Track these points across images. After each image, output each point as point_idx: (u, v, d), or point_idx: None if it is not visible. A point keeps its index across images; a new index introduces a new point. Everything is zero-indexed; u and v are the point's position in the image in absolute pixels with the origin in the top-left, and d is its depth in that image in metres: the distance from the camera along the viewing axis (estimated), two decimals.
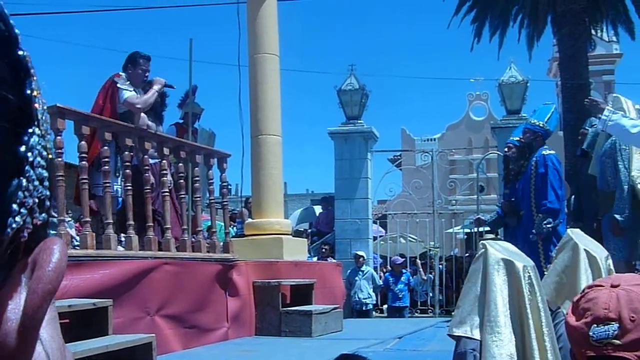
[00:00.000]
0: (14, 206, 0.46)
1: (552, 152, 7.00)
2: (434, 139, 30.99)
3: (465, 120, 31.65)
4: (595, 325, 1.48)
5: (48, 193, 0.50)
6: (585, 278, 3.90)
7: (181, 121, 8.78)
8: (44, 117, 0.50)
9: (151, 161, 6.72)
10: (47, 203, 0.50)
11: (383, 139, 16.21)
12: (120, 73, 6.77)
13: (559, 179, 6.83)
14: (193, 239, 6.93)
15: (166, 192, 6.57)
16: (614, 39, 23.42)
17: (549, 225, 6.62)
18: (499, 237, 10.79)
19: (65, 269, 0.50)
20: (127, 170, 6.11)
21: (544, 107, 7.34)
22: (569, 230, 4.23)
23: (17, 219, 0.47)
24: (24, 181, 0.47)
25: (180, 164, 6.87)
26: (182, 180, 6.85)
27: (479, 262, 3.35)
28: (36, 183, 0.48)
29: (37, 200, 0.48)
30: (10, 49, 0.47)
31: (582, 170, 8.05)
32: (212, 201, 7.55)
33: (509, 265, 3.30)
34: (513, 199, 7.67)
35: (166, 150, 6.63)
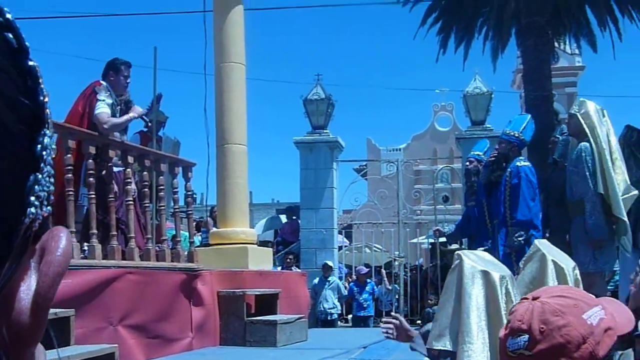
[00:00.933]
0: (32, 198, 0.53)
1: (527, 163, 7.00)
2: (399, 149, 31.17)
3: (430, 130, 31.94)
4: (510, 337, 1.54)
5: (53, 188, 0.57)
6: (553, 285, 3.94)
7: (145, 129, 8.72)
8: (50, 120, 0.56)
9: (115, 169, 6.65)
10: (52, 197, 0.57)
11: (349, 148, 16.31)
12: (101, 82, 6.69)
13: (532, 191, 6.82)
14: (157, 248, 6.88)
15: (130, 200, 6.51)
16: (577, 51, 23.79)
17: (520, 239, 6.64)
18: (463, 247, 10.91)
19: (71, 255, 0.58)
20: (91, 179, 6.05)
21: (519, 117, 7.38)
22: (536, 241, 4.26)
23: (33, 210, 0.53)
24: (40, 176, 0.54)
25: (145, 173, 6.81)
26: (146, 189, 6.79)
27: (454, 273, 3.35)
28: (47, 178, 0.55)
29: (46, 194, 0.55)
30: (22, 60, 0.54)
31: (551, 179, 8.12)
32: (177, 210, 7.50)
33: (485, 276, 3.29)
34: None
35: (130, 159, 6.58)
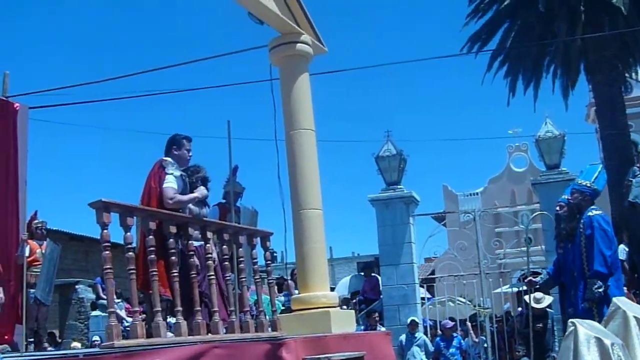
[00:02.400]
0: None
1: (599, 212, 6.97)
2: (477, 193, 30.90)
3: (506, 172, 31.56)
4: None
5: None
6: (638, 343, 3.93)
7: (224, 201, 8.97)
8: None
9: (196, 244, 6.83)
10: None
11: (425, 196, 16.26)
12: (166, 158, 6.96)
13: (607, 240, 6.74)
14: (241, 318, 6.98)
15: (212, 275, 6.66)
16: None
17: (600, 290, 6.51)
18: (550, 294, 10.67)
19: None
20: (173, 258, 6.22)
21: (590, 167, 7.37)
22: (614, 299, 4.27)
23: None
24: None
25: (225, 246, 6.96)
26: (226, 262, 6.94)
27: (569, 339, 3.45)
28: None
29: None
30: None
31: (631, 222, 7.97)
32: (258, 279, 7.61)
33: (599, 343, 3.38)
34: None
35: (209, 234, 6.74)
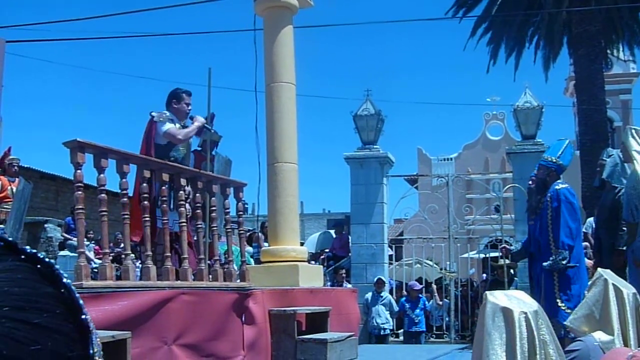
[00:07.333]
0: None
1: (565, 185, 7.14)
2: (451, 159, 31.05)
3: (481, 139, 31.70)
4: None
5: None
6: (615, 310, 4.04)
7: (199, 148, 8.92)
8: None
9: None
10: None
11: (400, 158, 16.29)
12: (155, 113, 7.15)
13: (573, 212, 6.95)
14: (210, 263, 7.03)
15: (183, 222, 6.66)
16: (631, 58, 23.43)
17: (564, 262, 6.75)
18: (516, 266, 10.82)
19: None
20: (146, 202, 6.21)
21: (557, 143, 7.51)
22: (599, 270, 4.38)
23: None
24: None
25: (197, 195, 6.97)
26: (199, 210, 6.95)
27: (481, 314, 3.43)
28: None
29: None
30: (76, 314, 0.58)
31: (601, 201, 8.10)
32: (229, 230, 7.64)
33: (505, 313, 3.33)
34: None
35: (183, 181, 6.73)
